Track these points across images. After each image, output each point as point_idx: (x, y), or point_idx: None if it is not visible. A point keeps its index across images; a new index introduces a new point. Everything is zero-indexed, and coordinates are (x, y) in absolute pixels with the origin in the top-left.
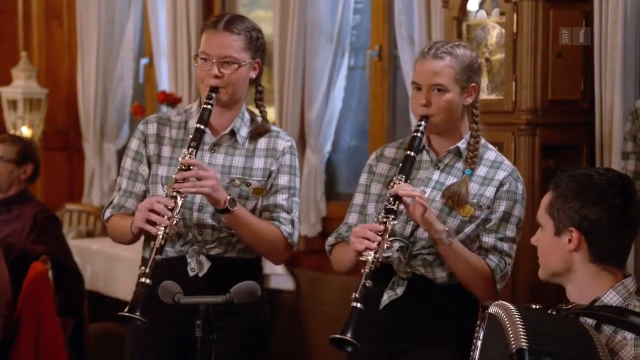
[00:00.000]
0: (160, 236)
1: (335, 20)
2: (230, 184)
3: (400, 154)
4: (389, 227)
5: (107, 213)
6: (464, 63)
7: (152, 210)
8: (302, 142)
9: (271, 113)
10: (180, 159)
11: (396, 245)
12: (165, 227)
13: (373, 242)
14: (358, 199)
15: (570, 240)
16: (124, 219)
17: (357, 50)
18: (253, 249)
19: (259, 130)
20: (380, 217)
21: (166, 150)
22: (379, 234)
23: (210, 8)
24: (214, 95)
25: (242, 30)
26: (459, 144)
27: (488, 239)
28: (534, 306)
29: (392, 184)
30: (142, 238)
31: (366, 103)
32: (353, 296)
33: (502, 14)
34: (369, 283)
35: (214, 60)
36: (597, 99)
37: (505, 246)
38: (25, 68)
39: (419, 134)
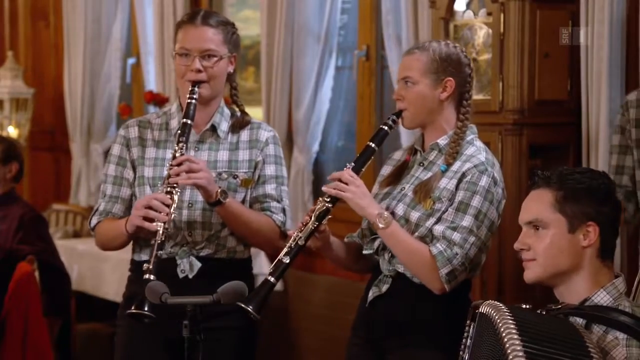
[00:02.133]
0: (160, 232)
1: (323, 20)
2: (218, 177)
3: (397, 155)
4: (320, 206)
5: (94, 220)
6: (436, 56)
7: (149, 207)
8: (289, 142)
9: (258, 113)
10: (170, 155)
11: (376, 244)
12: (164, 223)
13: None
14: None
15: (585, 236)
16: (113, 222)
17: (345, 50)
18: (247, 241)
19: (239, 123)
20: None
21: (150, 152)
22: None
23: (197, 7)
24: (196, 89)
25: (219, 24)
26: (438, 140)
27: (438, 227)
28: (524, 306)
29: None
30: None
31: (354, 103)
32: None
33: (489, 14)
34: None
35: (195, 55)
36: (584, 99)
37: (456, 236)
38: (11, 67)
39: (385, 127)
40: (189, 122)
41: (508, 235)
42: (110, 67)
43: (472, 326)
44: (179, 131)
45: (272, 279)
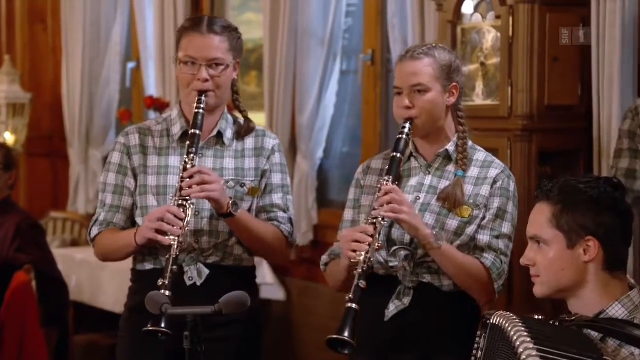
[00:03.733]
0: (175, 246)
1: (327, 24)
2: (225, 185)
3: (387, 164)
4: (379, 227)
5: (95, 231)
6: (443, 62)
7: (163, 220)
8: (292, 148)
9: (261, 118)
10: (173, 162)
11: (402, 254)
12: (178, 237)
13: (363, 243)
14: (348, 214)
15: (585, 251)
16: (117, 233)
17: (350, 54)
18: (254, 250)
19: (244, 130)
20: (370, 218)
21: (153, 160)
22: (370, 235)
23: (198, 11)
24: (203, 98)
25: (225, 31)
26: (447, 147)
27: (483, 237)
28: (536, 317)
29: (379, 185)
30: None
31: (359, 108)
32: (347, 297)
33: (497, 17)
34: (362, 283)
35: (202, 64)
36: (595, 104)
37: (500, 244)
38: (8, 72)
39: (403, 136)
40: (197, 132)
41: (516, 245)
42: (109, 72)
43: (482, 337)
44: (188, 142)
45: (354, 306)
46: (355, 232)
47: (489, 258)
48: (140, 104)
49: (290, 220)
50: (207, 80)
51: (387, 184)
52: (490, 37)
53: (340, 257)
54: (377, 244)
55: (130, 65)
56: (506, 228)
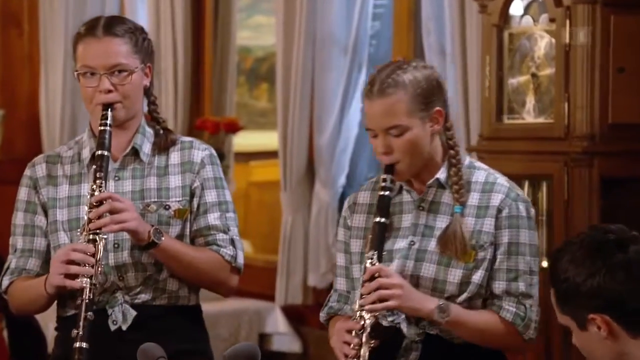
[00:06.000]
0: (88, 289)
1: (351, 28)
2: (146, 210)
3: (376, 197)
4: (369, 322)
5: (5, 281)
6: (417, 89)
7: (70, 262)
8: (310, 174)
9: (272, 138)
10: (88, 195)
11: None
12: (91, 278)
13: (351, 345)
14: (340, 259)
15: (599, 328)
16: (29, 281)
17: (377, 64)
18: (192, 283)
19: (164, 143)
20: (357, 311)
21: (62, 190)
22: (359, 331)
23: (200, 14)
24: (109, 113)
25: (125, 32)
26: (438, 175)
27: (498, 284)
28: None
29: (363, 264)
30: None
31: None
32: None
33: (551, 20)
34: None
35: (101, 73)
36: None
37: (521, 286)
38: None
39: (387, 193)
40: (105, 153)
41: None
42: None
43: None
44: (95, 166)
45: None
46: (344, 334)
47: (509, 309)
48: None
49: (233, 242)
50: (110, 91)
51: (371, 262)
52: (543, 44)
53: (339, 315)
54: (370, 343)
55: None
56: (523, 263)
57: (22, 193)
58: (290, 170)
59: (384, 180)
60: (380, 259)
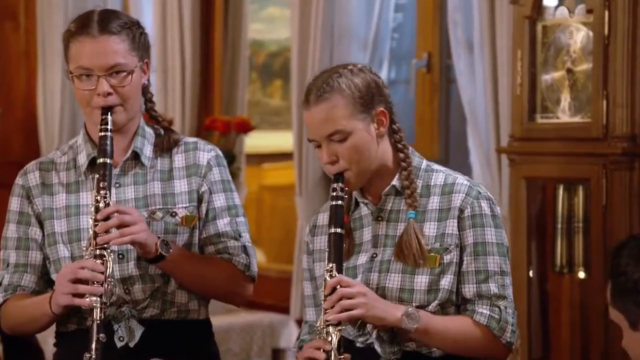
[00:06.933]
0: (99, 309)
1: (371, 21)
2: (151, 218)
3: (321, 220)
4: (335, 337)
5: None
6: (355, 91)
7: (78, 280)
8: (327, 177)
9: (287, 139)
10: (85, 201)
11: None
12: (101, 296)
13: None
14: (307, 288)
15: None
16: (27, 299)
17: (399, 60)
18: (203, 295)
19: (166, 144)
20: (323, 327)
21: (59, 200)
22: (327, 350)
23: (209, 6)
24: (109, 117)
25: (122, 29)
26: (393, 182)
27: (468, 287)
28: None
29: (323, 279)
30: None
31: (411, 126)
32: None
33: (589, 11)
34: None
35: (99, 74)
36: None
37: (492, 287)
38: None
39: (339, 202)
40: (108, 161)
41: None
42: None
43: None
44: (97, 175)
45: None
46: (312, 350)
47: (482, 312)
48: None
49: (245, 249)
50: (109, 94)
51: (330, 274)
52: (579, 38)
53: None
54: (341, 358)
55: None
56: (493, 264)
57: (14, 203)
58: (306, 174)
59: (334, 189)
60: (340, 271)
